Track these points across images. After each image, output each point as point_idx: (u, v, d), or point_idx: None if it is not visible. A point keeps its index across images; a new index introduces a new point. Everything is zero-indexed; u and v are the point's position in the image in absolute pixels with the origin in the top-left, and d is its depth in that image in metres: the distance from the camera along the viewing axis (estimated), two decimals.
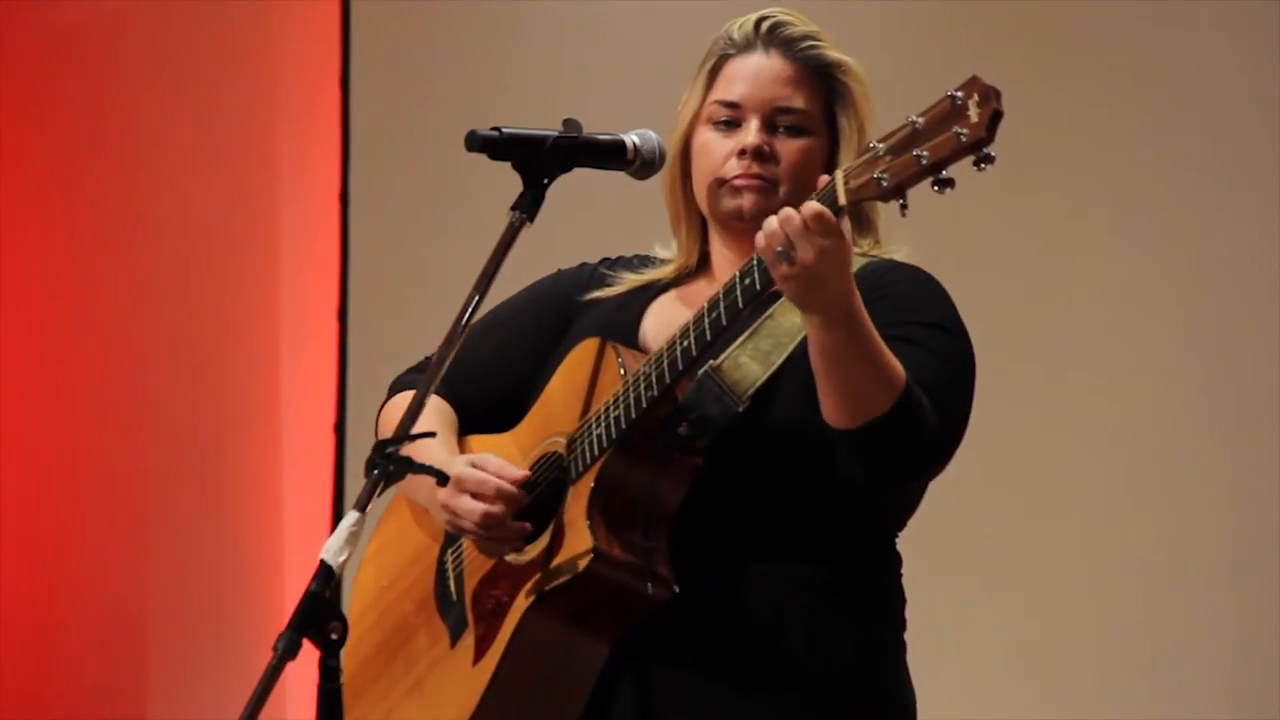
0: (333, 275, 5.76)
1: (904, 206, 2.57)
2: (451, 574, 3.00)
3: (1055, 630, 4.91)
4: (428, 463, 2.73)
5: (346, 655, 3.05)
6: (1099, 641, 4.88)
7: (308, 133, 5.86)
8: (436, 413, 3.05)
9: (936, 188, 2.51)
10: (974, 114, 2.46)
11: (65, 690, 6.02)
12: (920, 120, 2.52)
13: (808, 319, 2.69)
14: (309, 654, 2.62)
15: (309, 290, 5.83)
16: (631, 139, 2.94)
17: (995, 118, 2.46)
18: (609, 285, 3.06)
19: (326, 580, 2.58)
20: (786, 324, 2.83)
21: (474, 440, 3.04)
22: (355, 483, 5.58)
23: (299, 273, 5.87)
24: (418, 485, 2.96)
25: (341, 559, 2.59)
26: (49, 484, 6.08)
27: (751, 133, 2.92)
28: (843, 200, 2.59)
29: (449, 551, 3.02)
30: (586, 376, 2.89)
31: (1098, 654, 4.87)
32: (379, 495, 2.72)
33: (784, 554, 2.84)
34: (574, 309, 3.07)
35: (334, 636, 2.58)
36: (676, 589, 2.78)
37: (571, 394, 2.91)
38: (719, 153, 2.94)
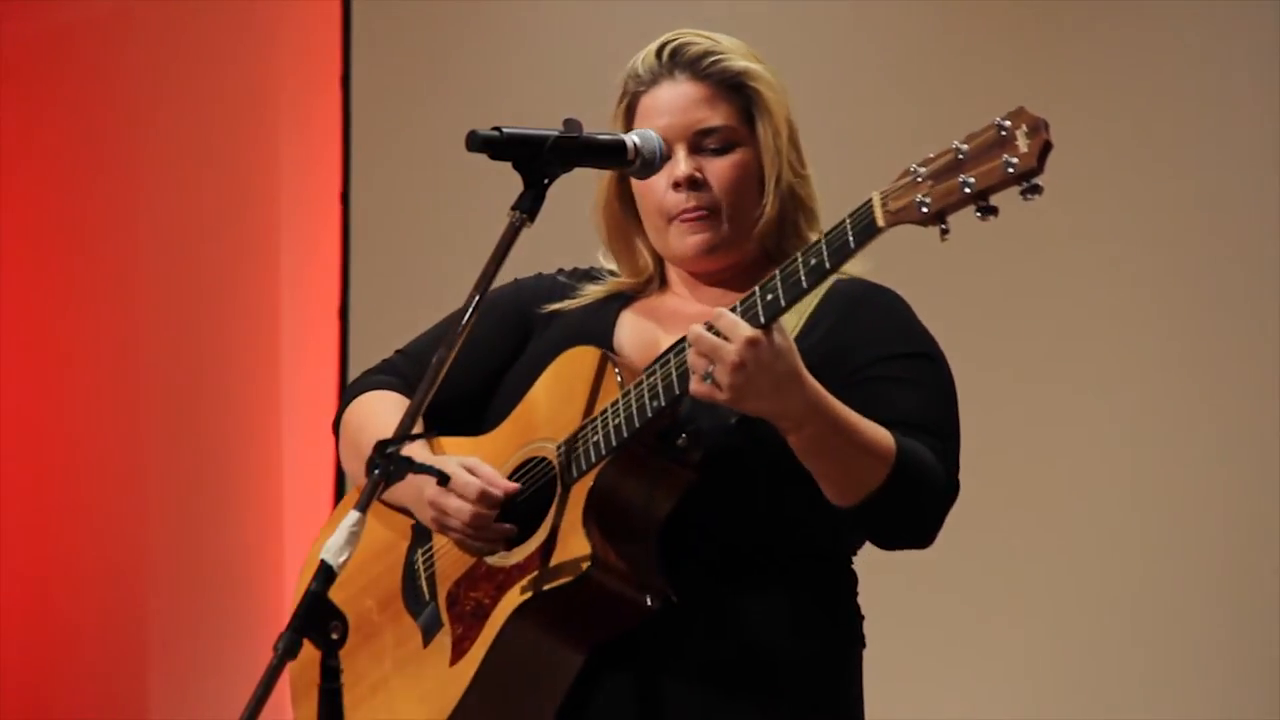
0: (333, 274, 5.76)
1: (945, 232, 2.57)
2: (423, 573, 2.99)
3: (1050, 633, 4.91)
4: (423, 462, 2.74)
5: None
6: (1096, 644, 4.88)
7: (308, 133, 5.86)
8: (399, 409, 3.03)
9: (980, 214, 2.53)
10: (1023, 144, 2.48)
11: (65, 690, 6.02)
12: (965, 147, 2.53)
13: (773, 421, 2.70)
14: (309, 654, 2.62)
15: (310, 290, 5.84)
16: (632, 139, 2.94)
17: (1046, 148, 2.48)
18: (570, 296, 3.06)
19: (327, 580, 2.58)
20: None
21: (446, 442, 3.04)
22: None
23: (300, 272, 5.87)
24: (402, 482, 2.96)
25: (342, 559, 2.60)
26: (50, 483, 6.08)
27: (681, 163, 2.92)
28: (881, 223, 2.58)
29: (419, 550, 3.01)
30: (576, 384, 2.89)
31: (1096, 656, 4.88)
32: (378, 496, 2.73)
33: (761, 566, 2.85)
34: (534, 319, 3.06)
35: (334, 636, 2.58)
36: (674, 598, 2.79)
37: (559, 401, 2.90)
38: (658, 189, 2.94)
